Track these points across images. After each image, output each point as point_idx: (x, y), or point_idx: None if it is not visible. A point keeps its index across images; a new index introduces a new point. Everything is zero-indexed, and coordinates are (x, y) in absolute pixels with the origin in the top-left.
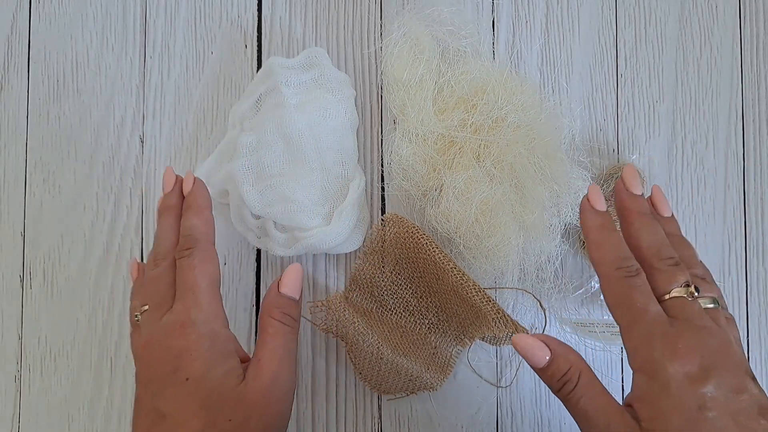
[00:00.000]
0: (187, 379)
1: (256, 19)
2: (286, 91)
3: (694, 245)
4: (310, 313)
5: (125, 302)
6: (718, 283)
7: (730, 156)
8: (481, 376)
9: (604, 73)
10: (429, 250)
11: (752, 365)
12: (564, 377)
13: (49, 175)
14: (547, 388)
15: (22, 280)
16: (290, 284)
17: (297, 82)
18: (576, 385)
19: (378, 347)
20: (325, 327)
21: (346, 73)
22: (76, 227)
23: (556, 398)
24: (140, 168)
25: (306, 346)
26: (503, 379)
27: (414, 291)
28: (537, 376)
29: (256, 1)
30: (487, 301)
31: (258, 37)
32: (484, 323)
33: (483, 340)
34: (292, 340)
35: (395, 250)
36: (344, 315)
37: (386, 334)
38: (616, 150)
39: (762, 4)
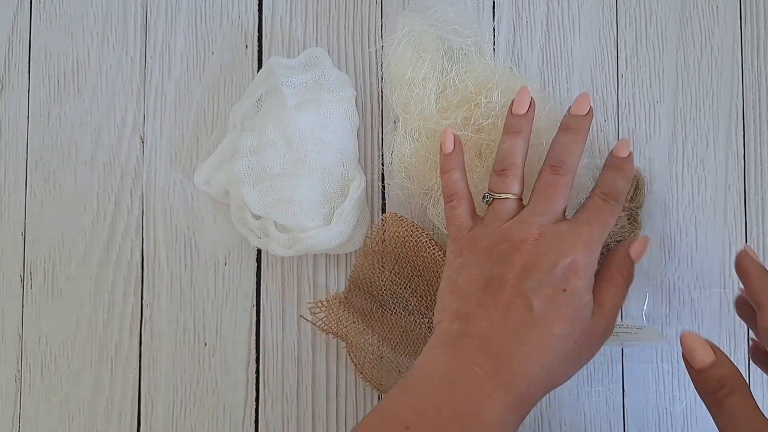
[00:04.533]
0: (564, 290)
1: (257, 19)
2: (286, 92)
3: (694, 246)
4: (310, 314)
5: (126, 302)
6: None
7: (731, 156)
8: None
9: (605, 74)
10: (429, 248)
11: (753, 366)
12: (723, 380)
13: (49, 175)
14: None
15: (22, 280)
16: (641, 251)
17: (297, 83)
18: (733, 392)
19: (378, 347)
20: (325, 327)
21: (346, 73)
22: (77, 227)
23: (556, 398)
24: (141, 168)
25: (306, 346)
26: None
27: (414, 290)
28: None
29: (257, 2)
30: None
31: (259, 37)
32: None
33: None
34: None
35: (395, 250)
36: (344, 315)
37: (386, 334)
38: None
39: (763, 5)
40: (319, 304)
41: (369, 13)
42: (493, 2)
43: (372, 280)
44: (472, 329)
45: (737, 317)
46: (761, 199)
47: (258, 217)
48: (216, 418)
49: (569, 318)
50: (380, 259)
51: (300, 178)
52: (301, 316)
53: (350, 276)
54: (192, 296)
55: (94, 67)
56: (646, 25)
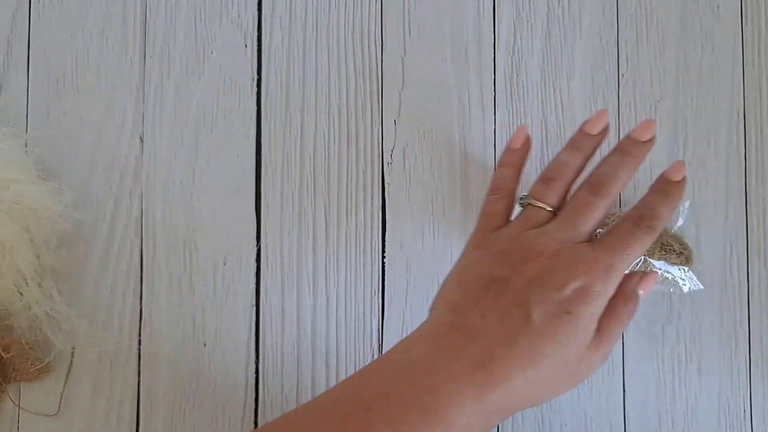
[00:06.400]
0: (568, 312)
1: (257, 18)
2: None
3: (695, 247)
4: None
5: (126, 302)
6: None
7: (732, 157)
8: None
9: (605, 73)
10: None
11: (754, 367)
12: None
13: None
14: None
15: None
16: (649, 288)
17: None
18: None
19: None
20: None
21: (346, 72)
22: (76, 227)
23: (556, 398)
24: (140, 168)
25: (306, 347)
26: None
27: None
28: None
29: (257, 1)
30: None
31: (258, 36)
32: None
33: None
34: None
35: None
36: None
37: None
38: None
39: (764, 5)
40: None
41: (369, 13)
42: (494, 2)
43: None
44: (464, 323)
45: (739, 318)
46: (762, 200)
47: None
48: (215, 419)
49: (565, 340)
50: None
51: None
52: None
53: None
54: (191, 296)
55: (93, 67)
56: (646, 24)
